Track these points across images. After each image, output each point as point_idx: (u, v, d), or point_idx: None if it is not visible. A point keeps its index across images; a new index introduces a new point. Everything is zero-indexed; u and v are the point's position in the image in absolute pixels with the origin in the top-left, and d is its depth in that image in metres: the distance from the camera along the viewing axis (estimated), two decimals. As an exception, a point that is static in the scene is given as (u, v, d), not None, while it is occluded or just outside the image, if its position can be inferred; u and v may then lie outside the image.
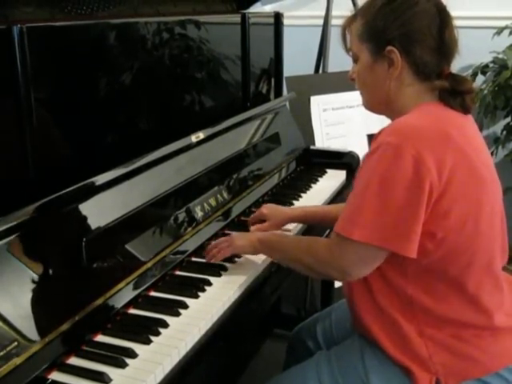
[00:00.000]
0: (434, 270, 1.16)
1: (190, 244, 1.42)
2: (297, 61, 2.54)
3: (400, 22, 1.17)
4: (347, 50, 1.30)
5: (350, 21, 1.27)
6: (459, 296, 1.18)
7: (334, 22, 2.68)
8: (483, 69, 2.71)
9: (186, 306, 1.20)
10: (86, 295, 1.11)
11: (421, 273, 1.16)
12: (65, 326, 1.03)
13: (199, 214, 1.49)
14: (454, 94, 1.19)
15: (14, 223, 1.02)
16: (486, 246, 1.18)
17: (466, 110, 1.21)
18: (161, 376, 1.01)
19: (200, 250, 1.45)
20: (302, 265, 1.27)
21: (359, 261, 1.16)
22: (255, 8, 2.18)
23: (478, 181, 1.15)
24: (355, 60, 1.27)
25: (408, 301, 1.19)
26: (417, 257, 1.12)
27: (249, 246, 1.37)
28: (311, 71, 2.84)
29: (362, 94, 1.31)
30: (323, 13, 2.76)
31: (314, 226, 1.70)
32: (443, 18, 1.19)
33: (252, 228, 1.57)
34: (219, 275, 1.33)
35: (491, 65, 2.69)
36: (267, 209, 1.61)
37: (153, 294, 1.26)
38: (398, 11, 1.17)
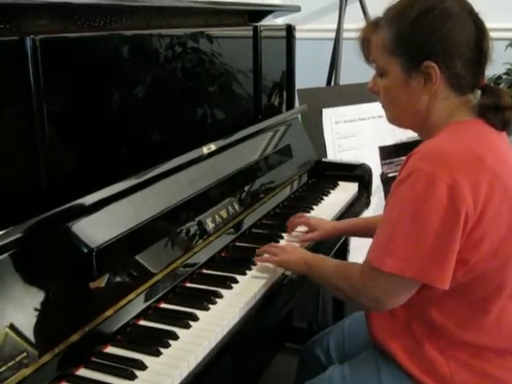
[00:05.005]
0: (459, 294, 1.12)
1: (201, 256, 1.42)
2: (308, 73, 2.55)
3: (439, 35, 1.10)
4: (369, 61, 1.22)
5: (371, 30, 1.19)
6: (482, 320, 1.14)
7: (345, 34, 2.69)
8: (496, 80, 2.69)
9: (196, 319, 1.19)
10: (96, 306, 1.10)
11: (446, 297, 1.12)
12: (74, 337, 1.02)
13: (210, 226, 1.48)
14: (496, 110, 1.12)
15: (26, 233, 1.02)
16: None
17: (504, 127, 1.14)
18: (170, 388, 1.00)
19: (211, 262, 1.44)
20: (338, 290, 1.25)
21: (391, 292, 1.12)
22: (267, 21, 2.19)
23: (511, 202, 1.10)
24: (381, 74, 1.19)
25: (430, 323, 1.16)
26: None
27: (294, 264, 1.38)
28: (323, 84, 2.84)
29: (387, 109, 1.23)
30: (335, 26, 2.77)
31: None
32: (479, 26, 1.12)
33: (301, 238, 1.60)
34: (230, 288, 1.32)
35: (504, 76, 2.68)
36: (314, 220, 1.66)
37: (163, 305, 1.25)
38: (436, 24, 1.10)
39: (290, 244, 1.53)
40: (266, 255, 1.43)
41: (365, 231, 1.60)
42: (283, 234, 1.63)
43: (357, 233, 1.67)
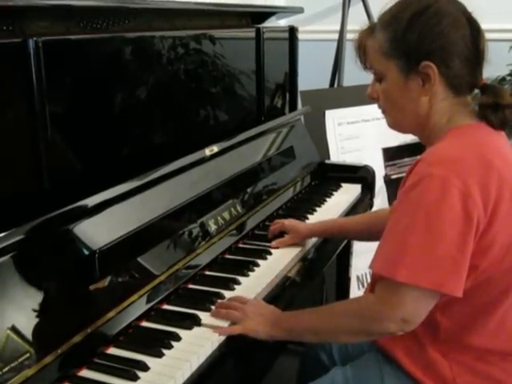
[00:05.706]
0: (465, 298, 1.08)
1: (204, 258, 1.42)
2: (311, 75, 2.55)
3: (434, 34, 1.10)
4: (366, 67, 1.22)
5: (366, 35, 1.20)
6: (486, 322, 1.13)
7: (348, 36, 2.69)
8: (500, 82, 2.69)
9: (198, 320, 1.19)
10: (99, 308, 1.11)
11: (452, 302, 1.11)
12: (77, 338, 1.02)
13: (213, 227, 1.49)
14: (496, 108, 1.12)
15: (28, 235, 1.03)
16: None
17: (503, 126, 1.13)
18: (173, 390, 1.00)
19: (213, 264, 1.44)
20: (345, 332, 1.15)
21: (419, 305, 1.07)
22: (270, 22, 2.19)
23: None
24: (379, 79, 1.19)
25: (435, 326, 1.15)
26: None
27: (264, 331, 1.19)
28: (326, 85, 2.85)
29: (387, 113, 1.22)
30: (338, 27, 2.77)
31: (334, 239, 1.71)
32: (474, 26, 1.13)
33: (272, 243, 1.57)
34: (232, 289, 1.32)
35: (508, 78, 2.67)
36: (289, 221, 1.62)
37: (165, 307, 1.25)
38: (431, 23, 1.10)
39: (251, 302, 1.25)
40: (224, 328, 1.17)
41: (343, 232, 1.60)
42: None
43: (335, 234, 1.64)
